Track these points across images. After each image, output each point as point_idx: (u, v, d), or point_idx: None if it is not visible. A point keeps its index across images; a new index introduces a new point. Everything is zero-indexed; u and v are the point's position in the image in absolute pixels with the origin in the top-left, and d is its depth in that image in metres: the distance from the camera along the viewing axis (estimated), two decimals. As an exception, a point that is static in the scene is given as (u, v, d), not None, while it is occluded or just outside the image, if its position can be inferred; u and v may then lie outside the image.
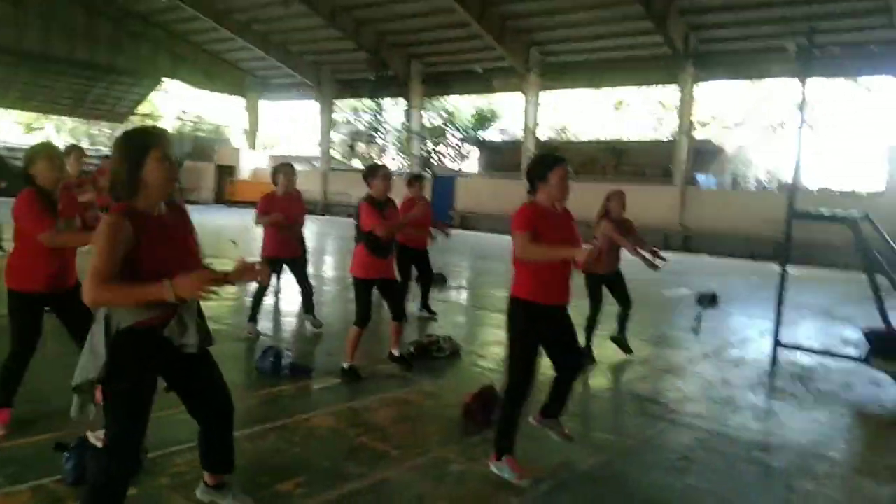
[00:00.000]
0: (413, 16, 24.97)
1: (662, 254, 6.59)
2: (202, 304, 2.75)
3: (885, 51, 19.20)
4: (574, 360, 3.98)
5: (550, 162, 3.76)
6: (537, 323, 3.66)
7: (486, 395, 4.58)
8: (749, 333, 8.33)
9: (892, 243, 6.32)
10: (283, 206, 6.61)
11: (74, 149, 7.19)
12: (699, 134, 28.15)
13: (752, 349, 7.40)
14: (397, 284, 5.58)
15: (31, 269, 3.77)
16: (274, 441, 3.96)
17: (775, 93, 30.97)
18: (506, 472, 3.59)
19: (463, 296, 10.59)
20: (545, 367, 3.91)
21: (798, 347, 7.00)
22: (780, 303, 6.78)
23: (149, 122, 38.97)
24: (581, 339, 6.23)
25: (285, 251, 6.67)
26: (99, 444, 3.30)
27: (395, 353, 5.72)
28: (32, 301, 3.82)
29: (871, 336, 6.03)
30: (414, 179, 8.01)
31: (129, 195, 2.53)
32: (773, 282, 6.94)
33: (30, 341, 3.87)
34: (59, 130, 45.99)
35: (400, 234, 7.58)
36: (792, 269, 6.41)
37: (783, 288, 6.77)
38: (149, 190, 2.55)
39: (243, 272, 2.69)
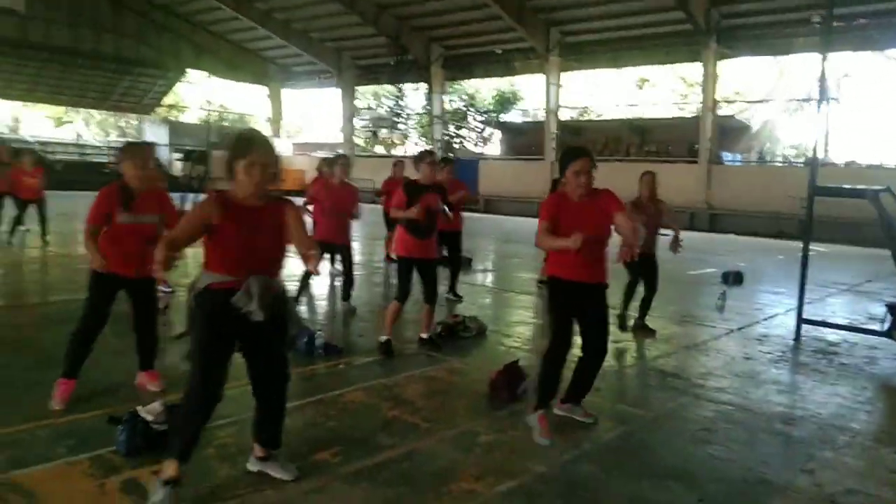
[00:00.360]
0: (432, -1, 24.98)
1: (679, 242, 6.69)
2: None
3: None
4: (601, 345, 4.12)
5: (571, 155, 4.00)
6: (565, 296, 3.98)
7: (511, 371, 4.74)
8: (774, 310, 8.37)
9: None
10: (338, 195, 6.89)
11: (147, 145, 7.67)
12: (724, 111, 27.83)
13: (777, 325, 7.45)
14: (434, 267, 5.72)
15: (108, 252, 4.13)
16: (311, 415, 4.16)
17: (801, 67, 30.45)
18: (534, 425, 3.93)
19: (488, 278, 10.74)
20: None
21: (822, 323, 7.05)
22: (803, 279, 6.81)
23: (175, 114, 39.55)
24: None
25: (336, 237, 6.93)
26: (150, 418, 3.54)
27: (425, 335, 5.87)
28: (107, 281, 4.18)
29: (894, 310, 6.07)
30: (443, 162, 8.17)
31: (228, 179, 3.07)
32: (797, 260, 6.97)
33: (98, 317, 4.22)
34: (87, 124, 46.81)
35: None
36: (819, 247, 6.49)
37: (806, 265, 6.81)
38: (239, 186, 3.03)
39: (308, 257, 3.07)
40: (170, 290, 7.04)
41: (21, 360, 5.04)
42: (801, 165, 25.54)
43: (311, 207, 7.18)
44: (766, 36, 21.37)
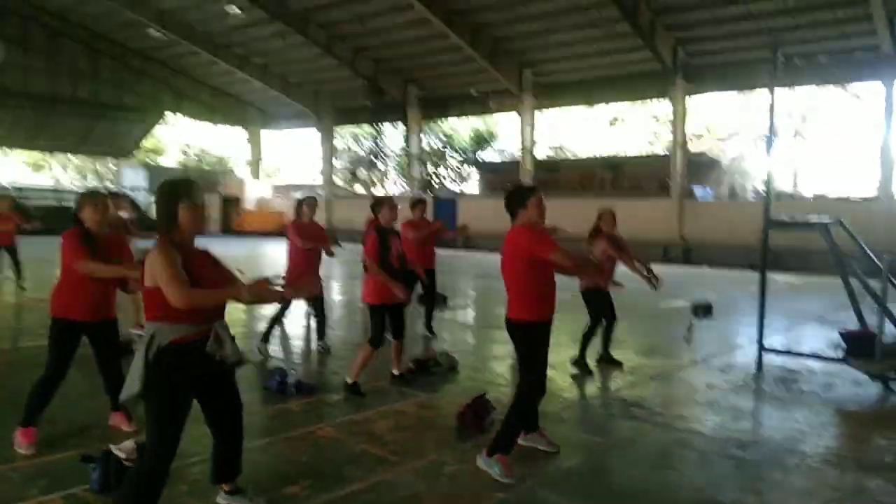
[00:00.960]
0: (408, 42, 25.59)
1: (655, 272, 6.93)
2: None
3: (870, 58, 19.61)
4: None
5: (528, 191, 4.27)
6: (542, 339, 4.13)
7: (478, 404, 4.90)
8: (739, 341, 8.62)
9: (864, 247, 6.64)
10: (312, 234, 7.07)
11: (122, 196, 8.24)
12: (695, 146, 28.59)
13: (741, 355, 7.69)
14: (403, 307, 5.87)
15: (73, 299, 4.22)
16: (281, 450, 4.29)
17: (767, 103, 31.42)
18: (496, 468, 3.92)
19: (463, 314, 10.92)
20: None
21: (783, 352, 7.30)
22: (762, 309, 7.07)
23: (153, 157, 39.67)
24: (576, 352, 6.64)
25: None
26: (123, 456, 3.65)
27: (396, 372, 5.99)
28: (72, 328, 4.25)
29: (847, 337, 6.34)
30: (415, 203, 8.45)
31: (168, 230, 3.05)
32: (770, 291, 7.25)
33: (62, 368, 4.26)
34: (65, 168, 46.76)
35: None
36: (792, 278, 6.74)
37: (764, 295, 7.07)
38: (182, 229, 3.06)
39: (299, 288, 3.32)
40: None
41: (-5, 404, 5.11)
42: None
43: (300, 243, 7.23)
44: (730, 73, 22.11)
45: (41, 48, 30.08)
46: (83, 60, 31.37)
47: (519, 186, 4.46)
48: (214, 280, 3.06)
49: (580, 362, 6.69)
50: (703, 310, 10.79)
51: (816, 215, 7.40)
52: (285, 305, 7.29)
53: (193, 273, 2.94)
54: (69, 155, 42.19)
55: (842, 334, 6.41)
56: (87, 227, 4.29)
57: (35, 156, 43.42)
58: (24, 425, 4.17)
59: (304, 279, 3.18)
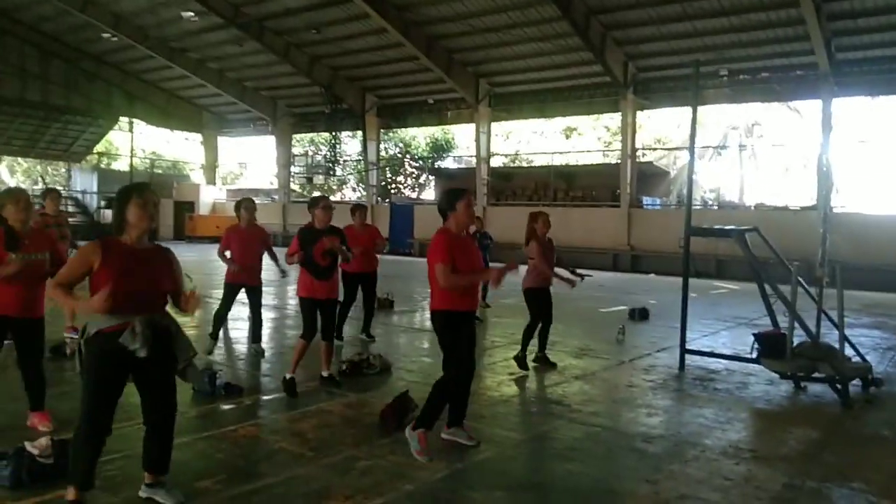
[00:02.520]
0: (365, 51, 25.75)
1: (582, 271, 7.23)
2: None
3: (810, 75, 20.42)
4: (473, 365, 4.53)
5: (457, 193, 4.54)
6: (460, 327, 4.43)
7: (399, 401, 5.06)
8: (668, 343, 8.92)
9: (778, 254, 7.01)
10: (243, 238, 7.13)
11: (50, 191, 8.15)
12: (645, 157, 29.29)
13: (666, 357, 7.99)
14: (334, 306, 6.01)
15: None
16: (201, 448, 4.38)
17: (713, 116, 32.45)
18: (413, 442, 4.27)
19: (407, 318, 11.06)
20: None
21: (703, 353, 7.62)
22: (684, 313, 7.39)
23: (105, 162, 38.99)
24: (507, 355, 6.86)
25: (245, 278, 7.15)
26: (36, 452, 3.71)
27: (325, 373, 6.09)
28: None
29: (759, 338, 6.67)
30: (354, 208, 8.61)
31: (117, 231, 3.39)
32: (710, 297, 7.56)
33: None
34: (12, 172, 45.60)
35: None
36: (733, 284, 7.02)
37: (686, 299, 7.39)
38: (130, 228, 3.37)
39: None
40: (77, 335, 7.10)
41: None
42: (716, 208, 27.00)
43: (227, 253, 7.34)
44: (678, 88, 22.78)
45: (-12, 48, 29.40)
46: (32, 62, 30.72)
47: (449, 189, 4.68)
48: (134, 283, 3.30)
49: (520, 358, 6.97)
50: (640, 314, 11.15)
51: (734, 225, 7.75)
52: (227, 305, 7.32)
53: (135, 274, 3.29)
54: (18, 158, 41.19)
55: (755, 336, 6.75)
56: (10, 224, 4.36)
57: (-19, 158, 42.31)
58: None
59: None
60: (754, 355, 6.75)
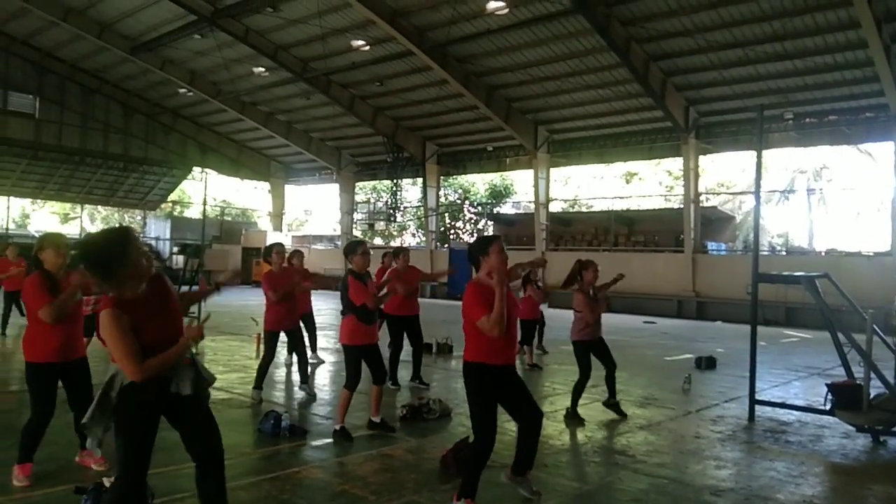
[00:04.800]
0: (425, 101, 26.42)
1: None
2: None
3: (880, 117, 19.83)
4: (534, 414, 4.43)
5: (488, 240, 4.49)
6: (488, 381, 4.15)
7: (461, 448, 5.06)
8: (737, 393, 8.64)
9: (850, 300, 6.76)
10: (277, 282, 7.33)
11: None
12: (710, 202, 28.75)
13: (735, 407, 7.73)
14: (378, 350, 6.06)
15: (41, 343, 4.41)
16: (266, 489, 4.47)
17: (780, 161, 31.73)
18: None
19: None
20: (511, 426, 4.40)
21: (774, 404, 7.35)
22: (753, 361, 7.16)
23: (177, 210, 40.77)
24: (568, 403, 6.77)
25: (285, 323, 7.34)
26: (111, 488, 3.87)
27: (376, 419, 6.07)
28: (44, 371, 4.44)
29: (833, 389, 6.41)
30: (397, 252, 8.76)
31: (116, 288, 3.13)
32: (780, 345, 7.35)
33: (45, 408, 4.46)
34: (92, 219, 48.11)
35: (387, 304, 8.28)
36: (805, 333, 6.74)
37: (754, 347, 7.18)
38: (132, 279, 3.14)
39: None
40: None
41: (2, 440, 5.36)
42: (784, 253, 26.16)
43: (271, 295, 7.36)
44: (742, 132, 22.43)
45: (77, 105, 31.59)
46: (116, 117, 32.84)
47: (481, 236, 4.72)
48: (159, 324, 3.17)
49: (571, 414, 6.79)
50: (707, 362, 10.84)
51: (805, 271, 7.54)
52: (271, 353, 7.45)
53: (146, 321, 3.10)
54: (98, 206, 43.51)
55: (828, 386, 6.48)
56: (47, 268, 4.46)
57: (65, 207, 44.79)
58: (20, 462, 4.43)
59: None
60: (828, 407, 6.48)
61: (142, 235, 37.41)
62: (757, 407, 7.15)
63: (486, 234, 35.92)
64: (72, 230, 41.09)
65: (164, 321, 3.22)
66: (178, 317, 3.36)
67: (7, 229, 32.57)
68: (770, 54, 18.85)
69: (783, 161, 32.72)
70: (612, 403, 7.05)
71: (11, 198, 35.69)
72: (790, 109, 21.07)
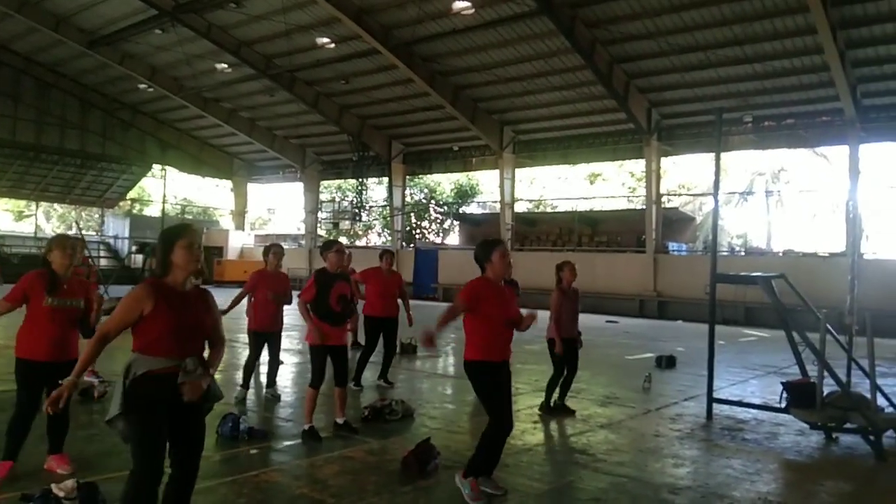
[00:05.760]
0: (391, 100, 26.34)
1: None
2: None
3: (836, 121, 20.36)
4: (508, 422, 4.52)
5: (492, 244, 4.63)
6: (493, 377, 4.46)
7: (422, 449, 5.03)
8: (695, 392, 8.76)
9: (805, 300, 6.91)
10: (270, 283, 7.24)
11: (78, 240, 8.23)
12: (671, 203, 29.21)
13: (693, 406, 7.84)
14: (346, 352, 6.04)
15: (33, 340, 4.44)
16: (223, 493, 4.39)
17: (739, 163, 32.39)
18: (466, 489, 4.32)
19: (430, 364, 11.03)
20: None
21: (731, 402, 7.48)
22: (711, 361, 7.28)
23: (137, 208, 39.94)
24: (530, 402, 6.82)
25: (270, 324, 7.25)
26: (61, 494, 3.76)
27: (340, 420, 6.03)
28: (32, 368, 4.44)
29: (788, 387, 6.54)
30: (383, 253, 8.77)
31: (161, 273, 3.31)
32: (738, 344, 7.47)
33: (32, 404, 4.46)
34: (48, 217, 46.85)
35: (366, 305, 8.24)
36: (762, 332, 6.92)
37: (712, 347, 7.29)
38: (176, 270, 3.29)
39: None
40: (100, 379, 7.19)
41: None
42: (743, 254, 26.72)
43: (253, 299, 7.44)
44: (703, 134, 22.82)
45: (32, 99, 30.70)
46: (72, 112, 32.00)
47: (485, 240, 4.73)
48: (183, 323, 3.26)
49: (545, 407, 7.01)
50: (667, 361, 10.99)
51: (761, 272, 7.69)
52: (257, 353, 7.39)
53: (178, 313, 3.22)
54: (54, 204, 42.40)
55: (784, 385, 6.62)
56: (54, 269, 4.51)
57: (20, 204, 43.56)
58: (2, 459, 4.41)
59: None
60: (784, 405, 6.61)
61: (100, 234, 36.60)
62: (715, 405, 7.26)
63: (465, 232, 36.01)
64: (26, 228, 40.02)
65: (185, 323, 3.27)
66: (203, 327, 3.39)
67: (-43, 227, 31.53)
68: (730, 58, 19.24)
69: (742, 163, 33.45)
70: (559, 405, 7.14)
71: (-38, 194, 34.64)
72: (749, 113, 21.54)
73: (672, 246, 24.70)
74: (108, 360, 5.27)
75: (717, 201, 7.60)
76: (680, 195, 33.74)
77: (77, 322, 4.64)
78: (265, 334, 7.30)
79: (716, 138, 7.62)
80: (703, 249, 26.96)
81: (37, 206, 39.87)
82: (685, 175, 35.64)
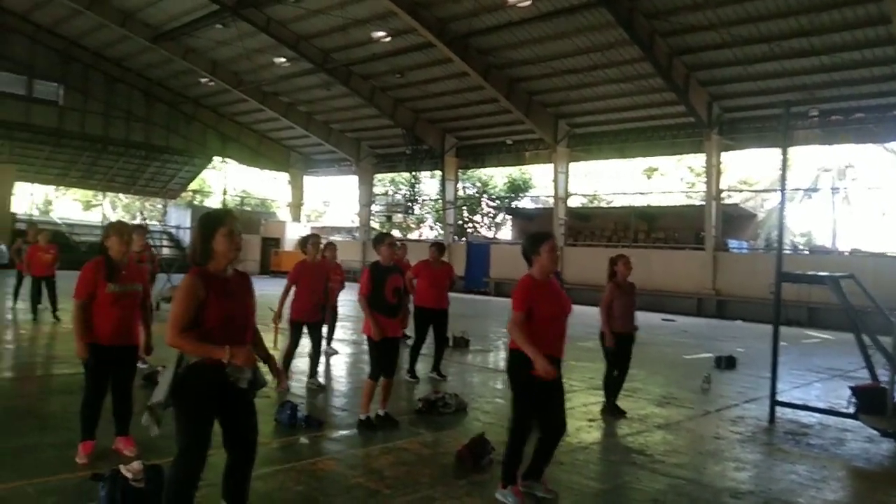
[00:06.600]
0: (445, 94, 26.31)
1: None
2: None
3: (909, 116, 19.44)
4: (560, 422, 4.41)
5: (540, 238, 4.46)
6: (532, 371, 4.19)
7: (476, 443, 5.03)
8: (757, 394, 8.52)
9: (875, 301, 6.62)
10: (311, 273, 7.33)
11: (137, 227, 8.46)
12: (731, 199, 28.39)
13: (755, 408, 7.62)
14: (398, 344, 6.05)
15: (97, 325, 4.58)
16: (281, 480, 4.47)
17: (804, 158, 31.23)
18: (509, 498, 4.16)
19: (482, 358, 11.01)
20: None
21: (796, 406, 7.22)
22: (774, 363, 7.05)
23: (198, 199, 41.07)
24: (584, 399, 6.73)
25: (311, 315, 7.34)
26: (129, 476, 3.88)
27: (381, 412, 6.02)
28: (97, 352, 4.60)
29: (857, 392, 6.28)
30: (432, 244, 8.74)
31: (203, 261, 3.30)
32: (801, 346, 7.25)
33: (96, 385, 4.64)
34: (114, 207, 48.58)
35: (416, 296, 8.26)
36: (826, 334, 6.65)
37: (777, 348, 7.06)
38: (218, 257, 3.29)
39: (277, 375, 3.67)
40: (146, 365, 7.39)
41: (23, 425, 5.43)
42: (807, 253, 25.79)
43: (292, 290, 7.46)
44: (766, 128, 22.09)
45: (100, 93, 31.87)
46: (138, 105, 33.11)
47: (533, 234, 4.63)
48: (232, 310, 3.29)
49: (609, 406, 6.89)
50: (726, 362, 10.71)
51: (828, 272, 7.40)
52: (296, 343, 7.50)
53: (223, 299, 3.23)
54: (119, 194, 43.94)
55: (852, 389, 6.36)
56: (111, 255, 4.65)
57: (87, 194, 45.28)
58: (82, 439, 4.61)
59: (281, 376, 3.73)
60: (852, 410, 6.37)
61: (162, 223, 37.80)
62: (778, 408, 7.04)
63: (517, 227, 35.89)
64: (94, 217, 41.60)
65: (234, 310, 3.30)
66: (248, 311, 3.43)
67: (31, 216, 32.95)
68: (796, 50, 18.54)
69: (807, 158, 32.24)
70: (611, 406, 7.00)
71: (35, 185, 36.10)
72: (816, 106, 20.72)
73: (732, 243, 24.01)
74: (158, 346, 5.36)
75: (784, 198, 7.34)
76: (741, 191, 32.76)
77: (137, 307, 4.79)
78: (303, 323, 7.38)
79: (782, 133, 7.36)
80: (765, 247, 26.14)
81: (104, 197, 41.37)
82: (746, 170, 34.63)
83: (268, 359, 3.64)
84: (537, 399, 4.25)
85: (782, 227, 7.41)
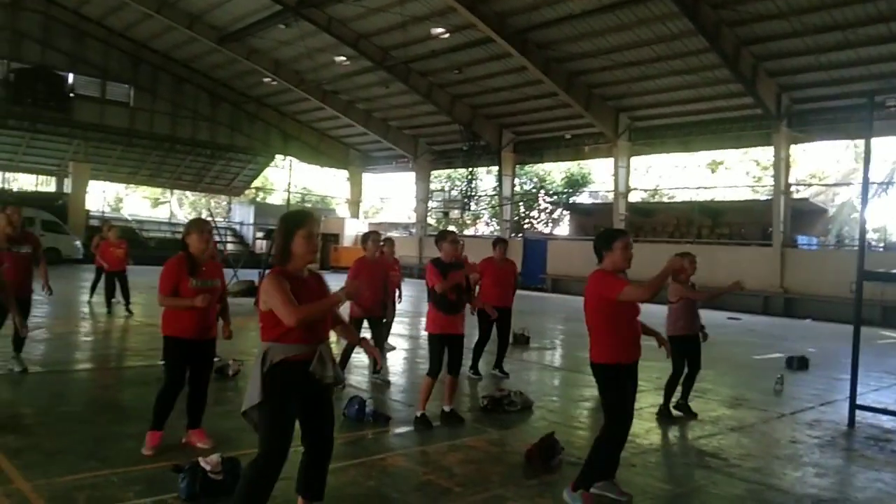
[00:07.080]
0: (503, 89, 26.19)
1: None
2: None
3: None
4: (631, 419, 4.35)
5: (615, 234, 4.38)
6: (622, 379, 4.20)
7: (546, 443, 4.97)
8: (833, 396, 8.20)
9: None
10: (371, 270, 7.38)
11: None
12: (800, 193, 27.39)
13: (832, 411, 7.32)
14: (462, 341, 6.01)
15: (179, 319, 4.72)
16: (353, 475, 4.51)
17: (880, 151, 29.76)
18: (578, 502, 4.09)
19: (544, 356, 10.92)
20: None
21: (878, 409, 6.91)
22: (855, 364, 6.75)
23: (261, 196, 42.02)
24: (651, 400, 6.58)
25: (371, 310, 7.40)
26: (208, 468, 3.98)
27: (447, 408, 6.02)
28: (177, 345, 4.74)
29: (948, 397, 5.95)
30: (496, 242, 8.67)
31: (281, 261, 3.37)
32: (876, 347, 6.94)
33: (176, 378, 4.78)
34: (181, 204, 50.16)
35: (481, 295, 8.21)
36: None
37: (857, 349, 6.76)
38: (295, 258, 3.36)
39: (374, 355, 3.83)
40: (217, 359, 7.56)
41: (104, 415, 5.64)
42: (882, 249, 24.63)
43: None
44: (838, 120, 21.18)
45: (167, 94, 33.00)
46: (203, 105, 34.16)
47: (608, 229, 4.54)
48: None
49: (664, 411, 6.63)
50: (799, 362, 10.32)
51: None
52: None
53: (301, 300, 3.26)
54: (186, 192, 45.34)
55: (942, 395, 6.03)
56: (192, 252, 4.77)
57: (156, 192, 46.87)
58: (151, 429, 4.73)
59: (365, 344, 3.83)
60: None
61: (227, 220, 38.85)
62: (857, 412, 6.74)
63: (575, 222, 35.56)
64: (161, 214, 43.03)
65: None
66: (325, 317, 3.46)
67: (103, 213, 34.33)
68: (873, 37, 17.72)
69: (882, 151, 30.72)
70: (681, 404, 6.79)
71: (108, 182, 37.58)
72: (893, 96, 19.74)
73: (801, 240, 23.14)
74: (236, 339, 5.49)
75: (866, 192, 7.00)
76: (810, 185, 31.53)
77: (216, 302, 4.90)
78: (362, 319, 7.42)
79: (866, 124, 7.01)
80: (836, 244, 25.10)
81: (171, 194, 42.74)
82: (816, 164, 33.30)
83: (362, 342, 3.80)
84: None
85: (864, 224, 7.07)
